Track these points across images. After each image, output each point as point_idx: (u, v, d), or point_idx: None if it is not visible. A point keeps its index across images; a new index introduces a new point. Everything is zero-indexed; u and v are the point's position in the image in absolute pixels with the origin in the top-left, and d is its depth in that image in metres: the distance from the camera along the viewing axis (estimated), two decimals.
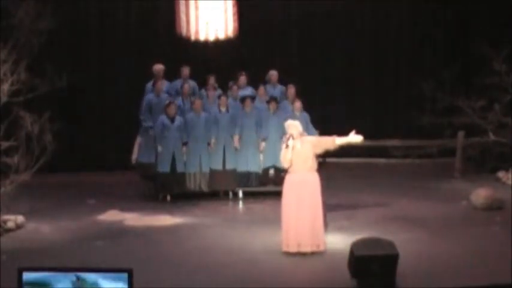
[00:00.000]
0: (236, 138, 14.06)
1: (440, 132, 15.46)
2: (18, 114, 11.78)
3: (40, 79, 12.04)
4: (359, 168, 15.90)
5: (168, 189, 13.91)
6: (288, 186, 10.48)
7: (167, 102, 13.94)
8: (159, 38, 16.72)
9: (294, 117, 14.03)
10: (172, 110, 13.81)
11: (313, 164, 10.50)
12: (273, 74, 14.93)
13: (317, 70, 17.26)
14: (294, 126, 10.59)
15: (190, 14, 14.21)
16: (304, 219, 10.31)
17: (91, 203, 13.61)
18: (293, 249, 10.32)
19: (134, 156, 14.29)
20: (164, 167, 13.81)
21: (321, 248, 10.35)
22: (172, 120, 13.83)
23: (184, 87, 14.42)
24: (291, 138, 10.42)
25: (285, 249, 10.40)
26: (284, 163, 10.51)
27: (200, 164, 14.01)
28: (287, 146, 10.40)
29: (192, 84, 14.67)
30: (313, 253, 10.25)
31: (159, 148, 13.80)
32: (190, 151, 13.95)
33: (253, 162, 14.19)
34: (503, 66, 15.09)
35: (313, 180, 10.45)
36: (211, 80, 14.61)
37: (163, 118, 13.82)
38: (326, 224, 10.80)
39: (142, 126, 14.26)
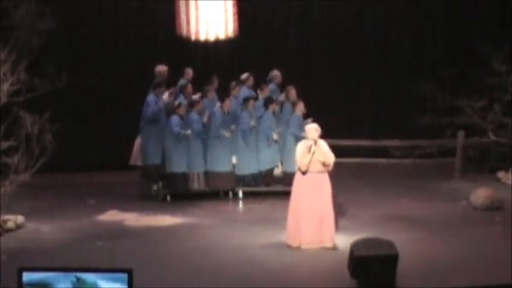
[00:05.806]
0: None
1: (440, 132, 15.45)
2: (18, 114, 11.78)
3: (40, 79, 12.03)
4: (359, 168, 15.88)
5: (169, 189, 13.89)
6: (300, 185, 10.56)
7: (177, 103, 13.91)
8: (159, 38, 16.69)
9: (295, 118, 14.09)
10: (183, 110, 13.82)
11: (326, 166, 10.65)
12: (276, 74, 14.87)
13: (317, 70, 17.25)
14: (314, 130, 10.66)
15: (190, 14, 14.17)
16: (314, 218, 10.51)
17: (91, 203, 13.61)
18: (303, 245, 10.51)
19: (133, 157, 14.25)
20: (179, 167, 13.74)
21: (329, 245, 10.47)
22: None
23: (187, 87, 14.40)
24: (313, 144, 10.50)
25: (289, 243, 10.55)
26: (302, 166, 10.60)
27: (200, 164, 13.99)
28: (309, 151, 10.46)
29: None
30: (321, 249, 10.45)
31: (172, 149, 13.71)
32: (191, 151, 13.94)
33: (254, 163, 14.17)
34: (503, 66, 15.09)
35: (326, 181, 10.63)
36: (213, 80, 14.60)
37: (175, 118, 13.76)
38: (336, 224, 10.88)
39: (145, 128, 14.12)
